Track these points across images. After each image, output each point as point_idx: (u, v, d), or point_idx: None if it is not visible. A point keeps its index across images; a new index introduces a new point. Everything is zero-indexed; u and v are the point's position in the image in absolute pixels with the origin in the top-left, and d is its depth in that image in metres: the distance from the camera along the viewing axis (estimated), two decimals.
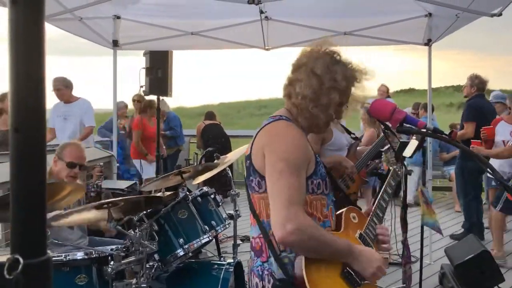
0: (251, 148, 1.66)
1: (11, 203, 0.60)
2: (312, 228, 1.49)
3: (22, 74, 0.57)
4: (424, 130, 1.65)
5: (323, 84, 1.61)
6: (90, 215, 2.48)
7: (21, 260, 0.56)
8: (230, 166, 4.07)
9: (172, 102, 7.91)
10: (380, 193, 1.92)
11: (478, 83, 5.60)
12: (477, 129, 5.29)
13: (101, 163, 5.73)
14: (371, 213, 1.82)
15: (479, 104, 5.55)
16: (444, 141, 1.66)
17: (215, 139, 7.60)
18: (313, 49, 1.69)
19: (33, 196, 0.60)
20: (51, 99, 5.96)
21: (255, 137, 1.67)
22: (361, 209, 1.91)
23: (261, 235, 1.63)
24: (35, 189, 0.60)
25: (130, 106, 7.74)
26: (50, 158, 3.24)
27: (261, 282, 1.63)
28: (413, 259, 4.40)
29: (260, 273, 1.64)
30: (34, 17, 0.58)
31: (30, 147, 0.59)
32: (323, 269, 1.51)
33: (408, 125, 1.67)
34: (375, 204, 1.86)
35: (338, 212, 1.73)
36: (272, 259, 1.60)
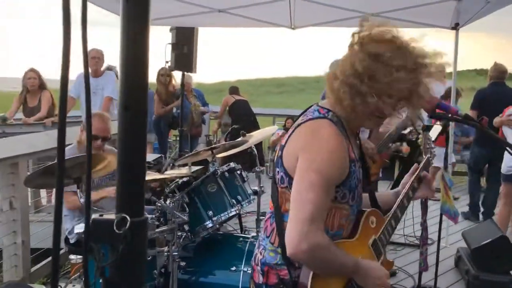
0: (286, 140, 1.55)
1: (118, 172, 0.70)
2: (325, 250, 1.44)
3: (131, 59, 0.66)
4: (457, 117, 1.71)
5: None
6: None
7: (128, 218, 0.67)
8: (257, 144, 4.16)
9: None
10: (406, 189, 1.78)
11: (494, 71, 5.76)
12: (478, 117, 5.39)
13: None
14: (389, 215, 1.71)
15: (483, 93, 5.77)
16: (475, 127, 1.72)
17: (245, 116, 7.56)
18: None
19: (136, 166, 0.69)
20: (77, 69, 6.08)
21: (293, 130, 1.55)
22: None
23: (275, 224, 1.59)
24: (138, 161, 0.69)
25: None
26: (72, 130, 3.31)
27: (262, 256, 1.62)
28: (429, 241, 4.48)
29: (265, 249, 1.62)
30: (142, 12, 0.67)
31: (135, 123, 0.68)
32: (329, 280, 1.50)
33: (441, 111, 1.74)
34: (397, 203, 1.74)
35: (358, 214, 1.62)
36: (279, 250, 1.56)
